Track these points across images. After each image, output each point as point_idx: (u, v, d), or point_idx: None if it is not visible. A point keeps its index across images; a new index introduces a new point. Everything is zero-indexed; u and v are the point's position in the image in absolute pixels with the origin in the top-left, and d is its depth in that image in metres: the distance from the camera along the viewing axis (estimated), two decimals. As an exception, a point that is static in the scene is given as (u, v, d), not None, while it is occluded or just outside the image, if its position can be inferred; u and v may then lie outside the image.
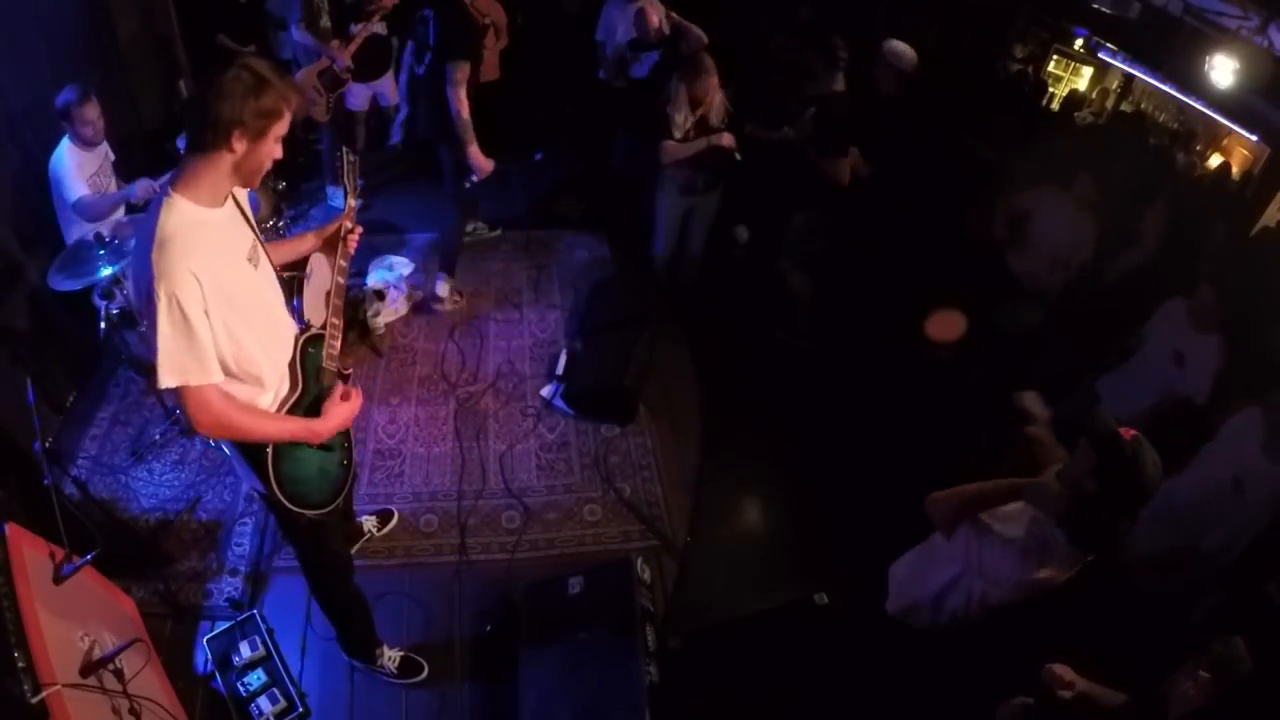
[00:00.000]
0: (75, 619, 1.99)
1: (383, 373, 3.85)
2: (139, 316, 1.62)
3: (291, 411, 1.87)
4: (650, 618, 2.55)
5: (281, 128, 1.59)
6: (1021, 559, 1.85)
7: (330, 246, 2.08)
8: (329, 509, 2.02)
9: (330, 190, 4.94)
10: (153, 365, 1.56)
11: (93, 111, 3.14)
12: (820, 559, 2.96)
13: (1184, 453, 2.55)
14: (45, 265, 3.08)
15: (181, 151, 1.60)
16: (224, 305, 1.61)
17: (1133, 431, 1.70)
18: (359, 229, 2.11)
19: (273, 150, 1.61)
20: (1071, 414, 2.32)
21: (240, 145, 1.54)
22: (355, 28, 4.27)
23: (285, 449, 1.86)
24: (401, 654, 2.60)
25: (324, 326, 1.96)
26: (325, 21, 4.24)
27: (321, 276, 3.68)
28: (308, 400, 1.91)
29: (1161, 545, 2.51)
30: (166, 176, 1.65)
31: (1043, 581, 1.83)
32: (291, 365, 1.90)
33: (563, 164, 5.36)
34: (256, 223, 1.86)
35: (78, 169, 3.15)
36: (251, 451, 1.82)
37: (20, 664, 1.65)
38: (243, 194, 1.80)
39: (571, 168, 5.28)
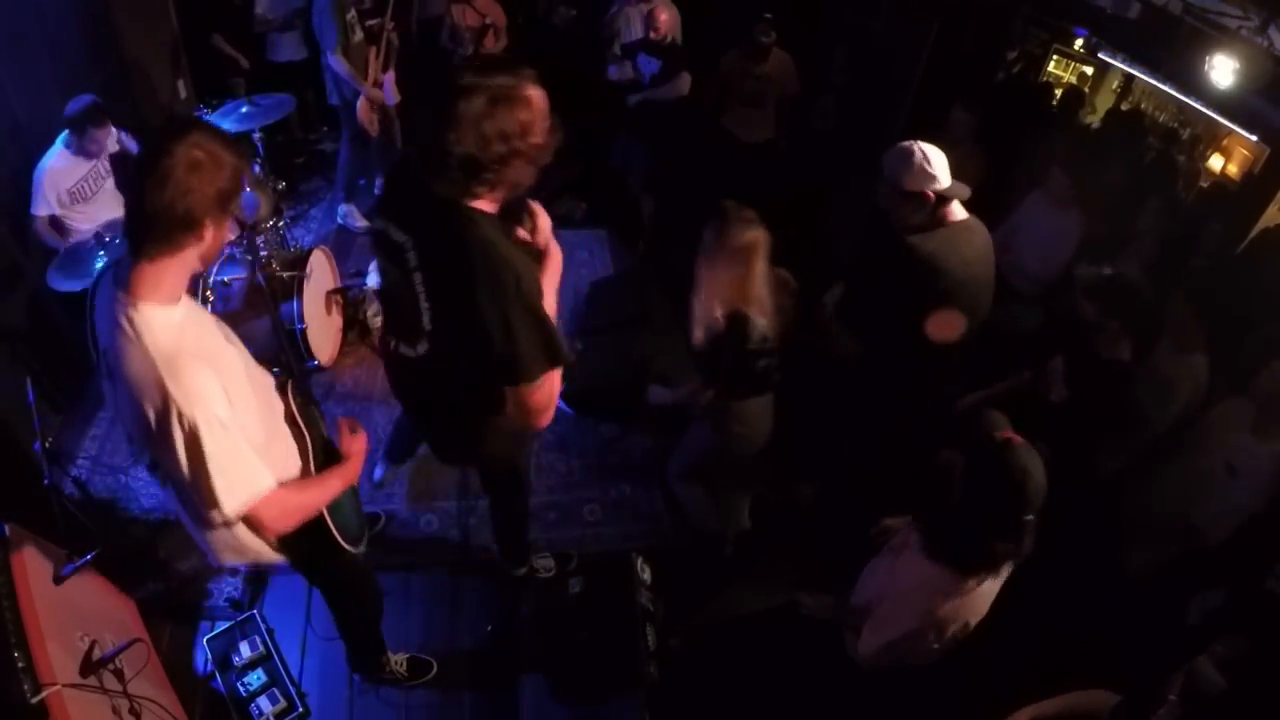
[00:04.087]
0: (75, 619, 1.99)
1: (383, 373, 3.84)
2: (155, 453, 1.43)
3: (314, 462, 1.76)
4: (650, 618, 2.55)
5: (239, 201, 1.45)
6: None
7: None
8: (367, 536, 1.97)
9: (342, 209, 4.82)
10: (205, 499, 1.42)
11: (105, 135, 3.20)
12: (819, 557, 2.95)
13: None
14: (45, 265, 3.08)
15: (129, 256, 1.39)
16: (243, 394, 1.50)
17: (1013, 437, 1.59)
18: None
19: (232, 226, 1.49)
20: None
21: (209, 232, 1.39)
22: (373, 23, 4.25)
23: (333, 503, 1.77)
24: (408, 656, 2.59)
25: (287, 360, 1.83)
26: (359, 36, 4.18)
27: (321, 276, 3.69)
28: (318, 444, 1.80)
29: (1155, 534, 2.53)
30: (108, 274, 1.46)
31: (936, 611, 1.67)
32: (289, 416, 1.74)
33: (563, 164, 5.36)
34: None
35: (59, 180, 3.17)
36: (309, 528, 1.69)
37: (20, 664, 1.65)
38: None
39: (571, 168, 5.28)
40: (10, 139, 3.27)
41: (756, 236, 2.20)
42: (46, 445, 2.35)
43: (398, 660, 2.56)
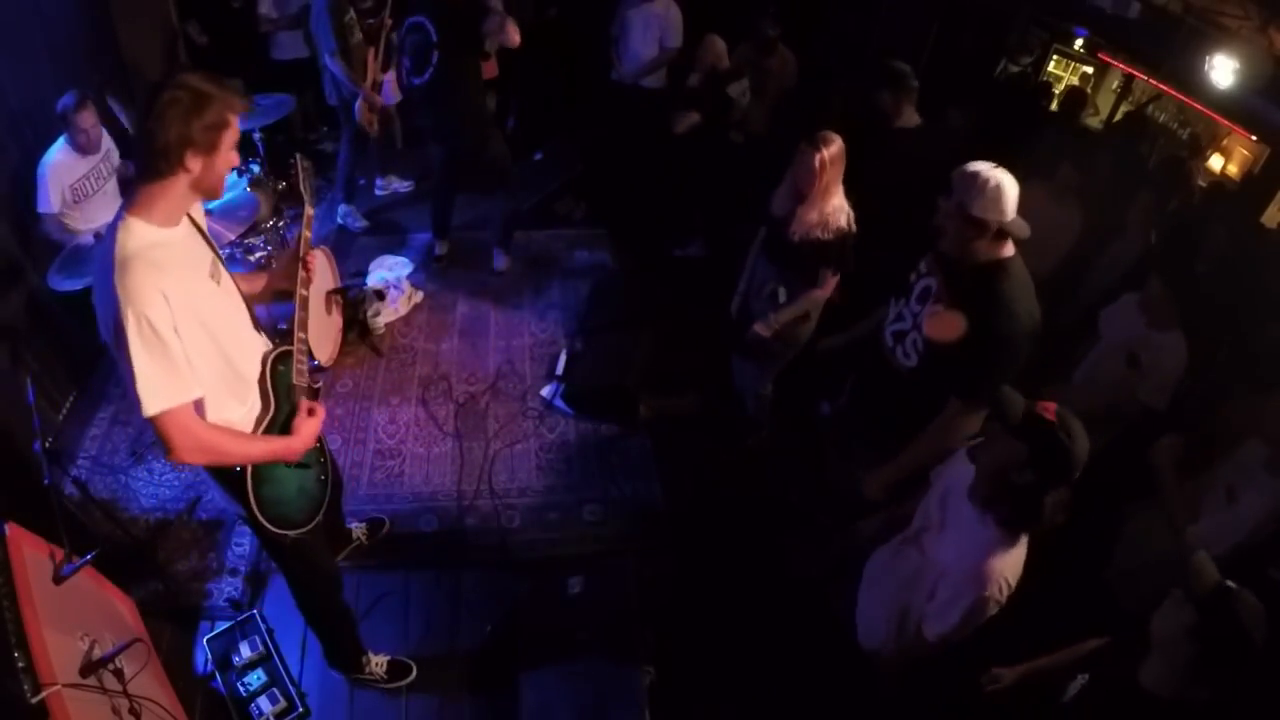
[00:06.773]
0: (75, 619, 1.99)
1: (383, 373, 3.85)
2: (112, 349, 1.53)
3: (266, 431, 1.84)
4: (650, 618, 2.55)
5: (232, 136, 1.56)
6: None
7: (291, 270, 1.99)
8: (311, 527, 2.00)
9: (342, 209, 4.83)
10: (133, 394, 1.50)
11: (88, 119, 3.14)
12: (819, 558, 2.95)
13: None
14: (45, 265, 3.08)
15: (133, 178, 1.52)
16: (192, 322, 1.57)
17: (1051, 406, 1.65)
18: (314, 255, 2.02)
19: (230, 159, 1.58)
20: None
21: (195, 164, 1.52)
22: (372, 22, 4.26)
23: (263, 471, 1.83)
24: (388, 658, 2.59)
25: (293, 343, 1.90)
26: (358, 37, 4.19)
27: (321, 276, 3.69)
28: (281, 418, 1.87)
29: (1157, 564, 2.48)
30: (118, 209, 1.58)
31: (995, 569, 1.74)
32: (262, 383, 1.85)
33: (563, 164, 5.36)
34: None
35: (62, 175, 3.16)
36: (229, 476, 1.80)
37: (20, 664, 1.65)
38: (199, 212, 1.76)
39: (572, 168, 5.28)
40: (10, 138, 3.27)
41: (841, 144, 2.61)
42: (46, 445, 2.35)
43: (378, 661, 2.56)
